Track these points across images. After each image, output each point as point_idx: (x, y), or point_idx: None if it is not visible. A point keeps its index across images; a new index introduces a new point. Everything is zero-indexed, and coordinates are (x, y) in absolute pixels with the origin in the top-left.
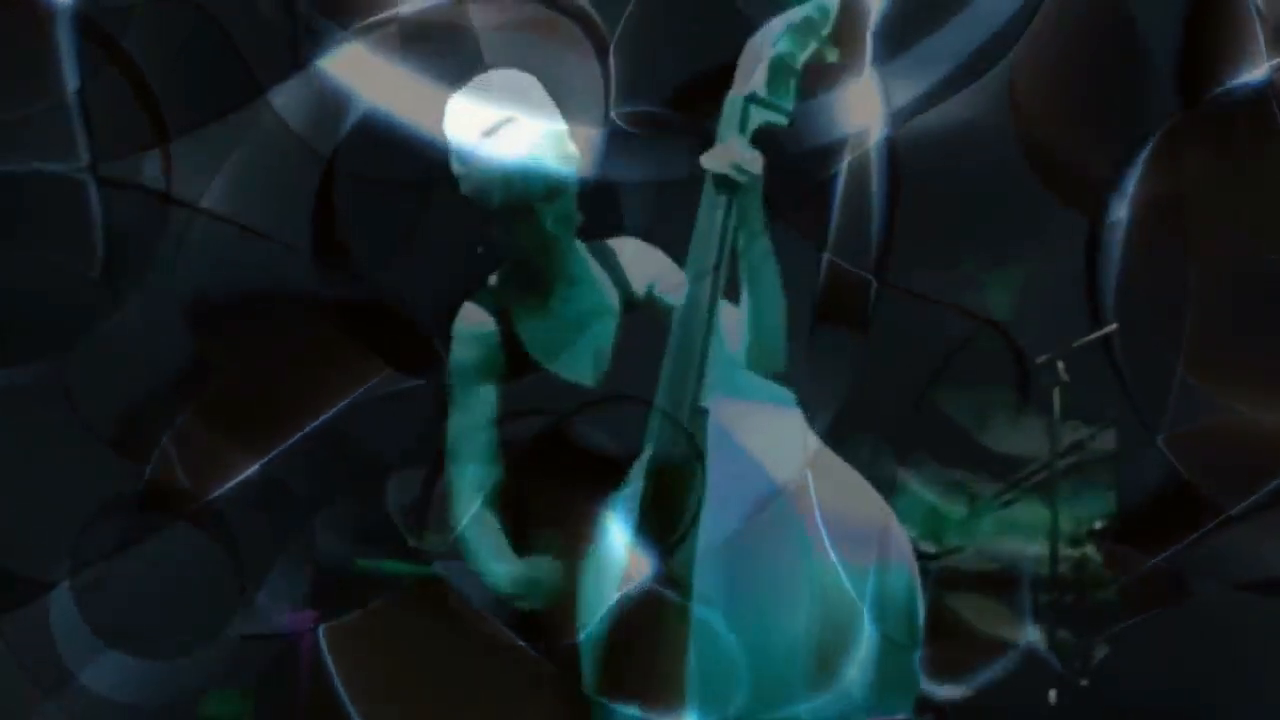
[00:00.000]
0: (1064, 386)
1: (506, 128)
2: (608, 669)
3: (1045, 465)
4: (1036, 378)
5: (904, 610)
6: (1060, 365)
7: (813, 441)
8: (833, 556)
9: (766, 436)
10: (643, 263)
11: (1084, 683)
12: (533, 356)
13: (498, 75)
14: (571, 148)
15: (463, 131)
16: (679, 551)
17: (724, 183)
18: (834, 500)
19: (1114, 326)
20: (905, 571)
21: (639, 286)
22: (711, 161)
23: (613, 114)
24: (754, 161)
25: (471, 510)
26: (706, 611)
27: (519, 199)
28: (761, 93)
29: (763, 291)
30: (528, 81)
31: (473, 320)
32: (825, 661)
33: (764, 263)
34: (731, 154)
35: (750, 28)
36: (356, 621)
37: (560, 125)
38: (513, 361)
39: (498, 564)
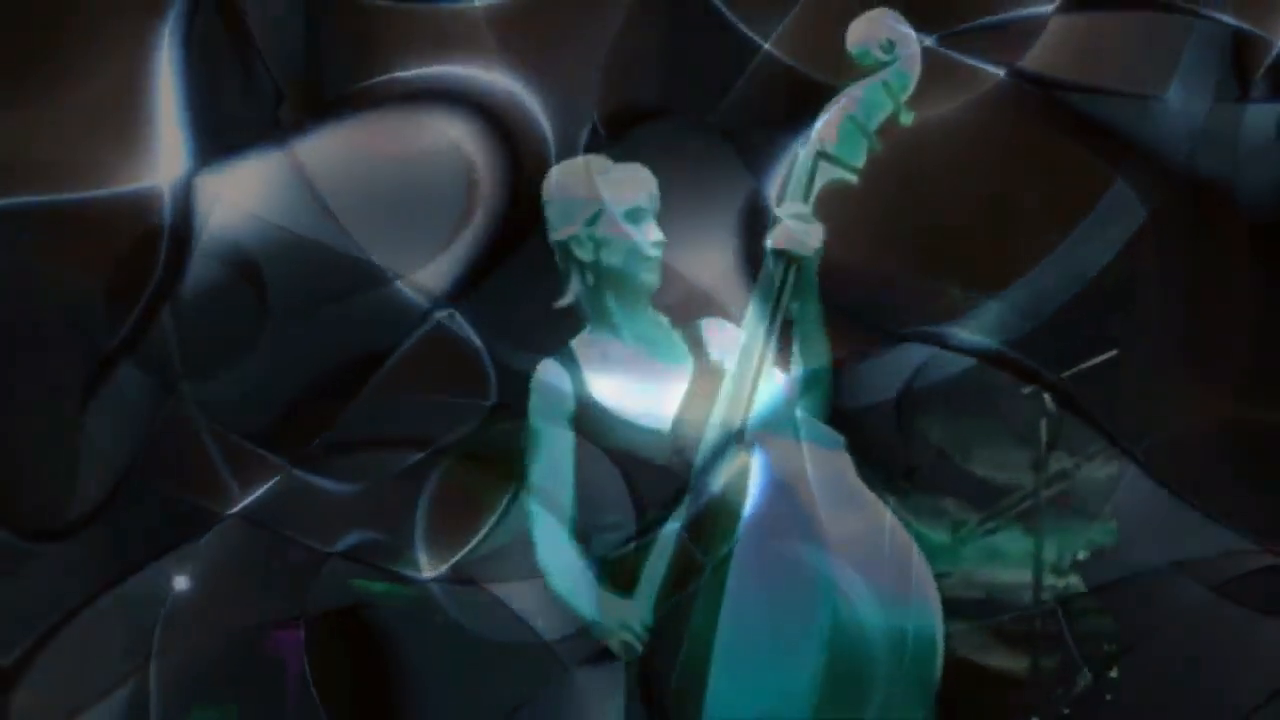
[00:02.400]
0: (1050, 417)
1: (616, 168)
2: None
3: (1030, 494)
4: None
5: (923, 649)
6: (1047, 396)
7: (853, 478)
8: (854, 591)
9: (809, 472)
10: (723, 339)
11: (1066, 711)
12: (609, 409)
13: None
14: None
15: (577, 171)
16: (713, 579)
17: (785, 256)
18: (862, 536)
19: (1114, 353)
20: (929, 613)
21: (716, 357)
22: (776, 239)
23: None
24: (815, 235)
25: (554, 547)
26: (731, 634)
27: (640, 210)
28: (832, 150)
29: (813, 351)
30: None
31: (550, 373)
32: (837, 692)
33: (816, 328)
34: (793, 231)
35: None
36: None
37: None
38: (588, 413)
39: (580, 598)
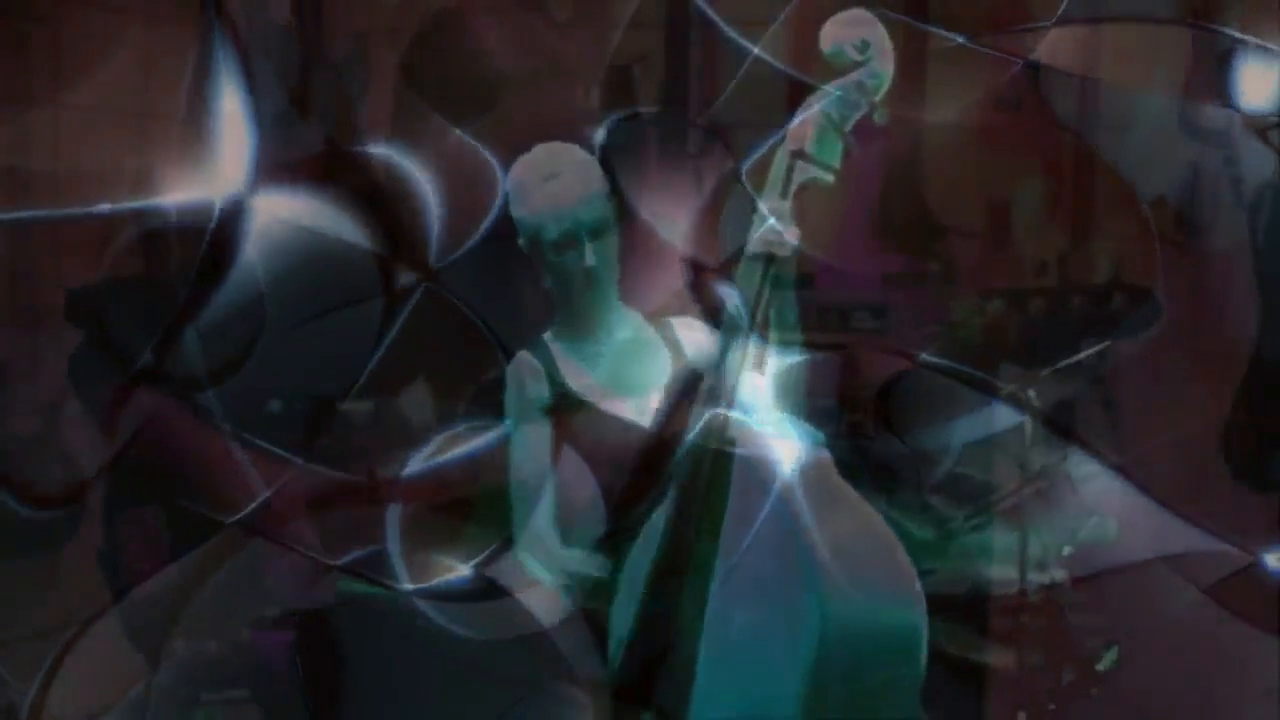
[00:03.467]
0: (1034, 413)
1: (564, 174)
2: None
3: (1015, 490)
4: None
5: (909, 645)
6: (1031, 393)
7: (834, 476)
8: (840, 588)
9: (790, 469)
10: (694, 338)
11: (1051, 707)
12: (584, 399)
13: (554, 144)
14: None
15: (524, 177)
16: (695, 580)
17: (763, 257)
18: (846, 533)
19: (1107, 343)
20: (913, 610)
21: (690, 354)
22: (753, 244)
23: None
24: (792, 235)
25: (533, 532)
26: (717, 634)
27: (571, 233)
28: (809, 150)
29: (787, 344)
30: (580, 151)
31: (525, 366)
32: (825, 690)
33: (790, 321)
34: (768, 233)
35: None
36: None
37: (599, 178)
38: (563, 403)
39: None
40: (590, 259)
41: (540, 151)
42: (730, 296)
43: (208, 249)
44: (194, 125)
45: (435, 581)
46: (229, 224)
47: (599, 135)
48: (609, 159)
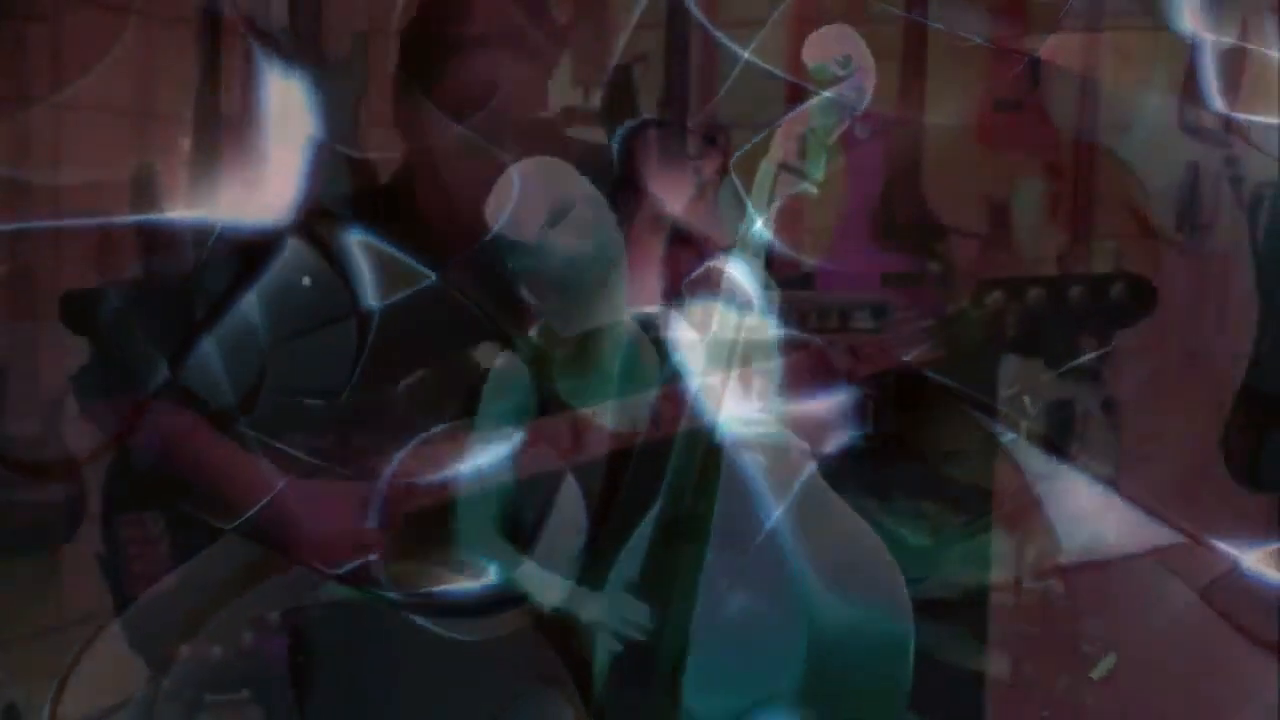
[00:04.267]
0: (1031, 420)
1: (567, 222)
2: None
3: (1011, 495)
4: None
5: (895, 654)
6: (1027, 399)
7: (818, 482)
8: (825, 597)
9: (774, 475)
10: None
11: (1045, 714)
12: (569, 403)
13: (534, 165)
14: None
15: (524, 221)
16: (682, 588)
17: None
18: (832, 539)
19: (1111, 347)
20: (901, 618)
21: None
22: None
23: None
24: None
25: (487, 541)
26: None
27: (572, 290)
28: (793, 162)
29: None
30: (566, 167)
31: (509, 369)
32: (811, 699)
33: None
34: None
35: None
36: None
37: (606, 210)
38: (547, 408)
39: (533, 583)
40: (591, 319)
41: (540, 186)
42: (734, 286)
43: (241, 260)
44: (205, 133)
45: (450, 589)
46: (269, 240)
47: (614, 144)
48: (621, 165)
